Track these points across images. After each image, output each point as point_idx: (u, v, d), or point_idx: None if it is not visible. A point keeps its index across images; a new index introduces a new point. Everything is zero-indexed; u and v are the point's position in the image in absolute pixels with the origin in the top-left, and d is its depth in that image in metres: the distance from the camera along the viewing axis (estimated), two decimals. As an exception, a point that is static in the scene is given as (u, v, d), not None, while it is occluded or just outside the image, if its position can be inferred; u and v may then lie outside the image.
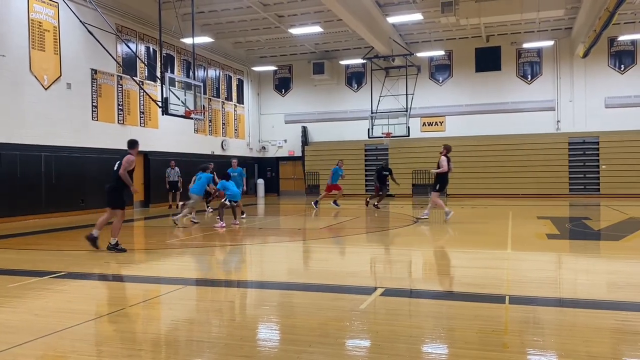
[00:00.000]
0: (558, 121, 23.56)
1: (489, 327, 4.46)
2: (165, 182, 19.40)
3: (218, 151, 24.38)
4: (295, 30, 20.60)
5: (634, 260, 7.83)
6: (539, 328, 4.49)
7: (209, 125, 23.94)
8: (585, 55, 21.52)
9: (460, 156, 20.63)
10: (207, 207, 16.68)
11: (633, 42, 22.44)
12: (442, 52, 24.49)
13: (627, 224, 12.23)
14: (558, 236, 10.58)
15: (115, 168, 8.90)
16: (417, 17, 19.29)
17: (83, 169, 16.69)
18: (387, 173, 18.03)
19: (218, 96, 24.81)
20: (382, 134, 25.42)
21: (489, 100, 24.48)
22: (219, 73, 24.93)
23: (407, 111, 24.43)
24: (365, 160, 26.31)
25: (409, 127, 25.47)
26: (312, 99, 27.53)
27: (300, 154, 27.31)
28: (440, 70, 25.46)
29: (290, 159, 27.83)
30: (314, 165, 26.83)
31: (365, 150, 26.34)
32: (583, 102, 23.16)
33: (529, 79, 24.07)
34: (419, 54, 24.01)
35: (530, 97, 23.95)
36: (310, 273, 7.45)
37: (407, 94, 25.65)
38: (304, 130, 27.43)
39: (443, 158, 12.49)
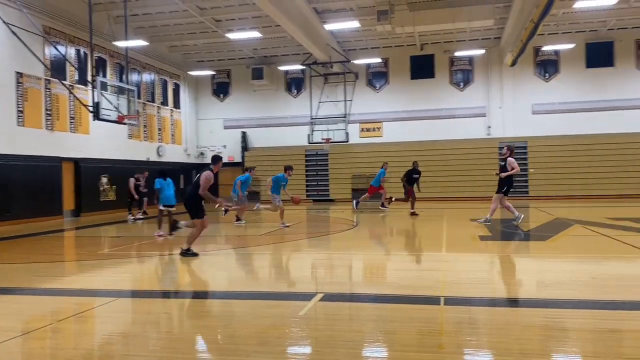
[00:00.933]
0: (489, 127, 24.59)
1: (426, 328, 4.57)
2: (133, 191, 17.76)
3: (154, 157, 23.73)
4: (233, 35, 20.43)
5: (559, 260, 8.26)
6: (474, 328, 4.64)
7: (144, 131, 23.26)
8: (514, 64, 22.59)
9: (397, 162, 21.13)
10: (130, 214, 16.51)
11: (556, 52, 23.78)
12: (378, 60, 25.01)
13: (553, 225, 12.90)
14: (490, 237, 11.01)
15: (194, 180, 8.92)
16: (354, 24, 19.61)
17: (8, 178, 15.77)
18: (418, 175, 16.62)
19: (153, 101, 24.15)
20: (322, 139, 25.65)
21: (424, 107, 25.21)
22: (154, 77, 24.30)
23: (345, 117, 24.74)
24: (306, 166, 26.39)
25: (347, 133, 25.84)
26: (251, 104, 27.36)
27: (240, 160, 27.05)
28: (377, 77, 25.98)
29: (230, 164, 27.52)
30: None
31: (306, 156, 26.43)
32: (512, 108, 24.29)
33: (462, 86, 24.99)
34: (357, 61, 24.40)
35: (462, 103, 24.87)
36: (250, 281, 7.37)
37: (345, 100, 26.01)
38: (244, 136, 27.20)
39: (512, 159, 12.16)
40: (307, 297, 5.73)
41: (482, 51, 23.54)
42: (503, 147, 13.10)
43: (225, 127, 27.60)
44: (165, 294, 6.57)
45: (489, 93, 24.61)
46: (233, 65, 27.35)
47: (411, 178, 16.56)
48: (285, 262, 9.09)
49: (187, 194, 8.95)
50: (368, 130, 26.10)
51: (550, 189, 23.20)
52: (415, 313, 5.09)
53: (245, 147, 27.17)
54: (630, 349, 4.04)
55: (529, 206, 19.24)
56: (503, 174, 12.24)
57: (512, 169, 12.08)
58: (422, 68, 25.26)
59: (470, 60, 24.78)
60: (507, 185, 12.34)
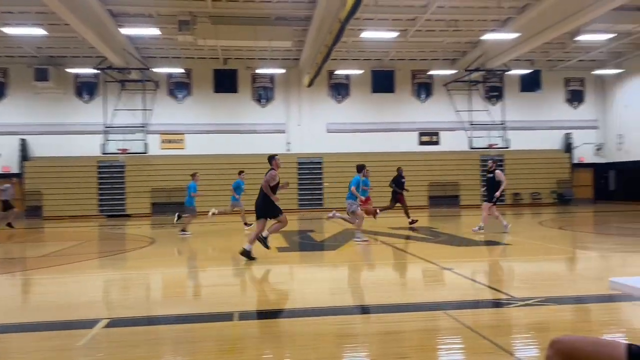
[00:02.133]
0: (288, 143, 25.70)
1: (222, 346, 4.46)
2: None
3: None
4: (10, 30, 17.98)
5: (345, 267, 8.90)
6: (273, 341, 4.68)
7: None
8: (310, 84, 24.03)
9: (201, 175, 20.71)
10: None
11: (347, 77, 25.97)
12: (181, 70, 24.41)
13: (342, 235, 13.92)
14: (288, 249, 11.41)
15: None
16: (154, 32, 18.84)
17: None
18: (404, 180, 16.01)
19: None
20: (118, 150, 23.98)
21: (227, 121, 25.30)
22: None
23: (144, 127, 23.55)
24: (99, 179, 24.34)
25: (147, 144, 24.60)
26: (33, 108, 24.36)
27: (18, 171, 23.82)
28: (180, 87, 25.32)
29: (4, 176, 24.04)
30: (37, 184, 23.67)
31: (99, 168, 24.39)
32: (309, 126, 25.77)
33: (263, 103, 25.72)
34: (157, 70, 23.47)
35: (264, 119, 25.59)
36: (21, 311, 6.43)
37: (144, 109, 24.78)
38: (23, 144, 24.06)
39: (499, 172, 13.07)
40: (89, 324, 5.19)
41: (282, 70, 24.56)
42: (488, 162, 13.77)
43: (1, 133, 24.08)
44: None
45: (289, 111, 25.76)
46: (11, 64, 24.09)
47: (400, 183, 16.04)
48: (67, 286, 8.16)
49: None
50: (170, 141, 25.21)
51: (342, 201, 24.96)
52: (209, 331, 4.95)
53: (24, 157, 24.04)
54: (407, 349, 4.47)
55: (324, 217, 20.51)
56: (500, 191, 12.86)
57: (499, 181, 12.96)
58: (225, 82, 25.35)
59: (272, 78, 25.67)
60: (493, 194, 13.03)
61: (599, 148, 27.35)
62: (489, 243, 11.72)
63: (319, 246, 12.02)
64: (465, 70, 24.15)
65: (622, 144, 25.99)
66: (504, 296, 6.28)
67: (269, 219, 9.41)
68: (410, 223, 15.44)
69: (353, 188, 12.45)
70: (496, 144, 25.44)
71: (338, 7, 15.28)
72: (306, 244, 12.69)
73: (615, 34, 20.71)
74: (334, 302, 6.31)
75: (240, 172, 16.07)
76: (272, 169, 9.46)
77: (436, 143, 26.53)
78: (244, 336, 4.79)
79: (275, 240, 12.36)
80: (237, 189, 15.60)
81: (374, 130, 25.99)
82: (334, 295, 6.70)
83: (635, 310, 5.41)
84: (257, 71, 24.64)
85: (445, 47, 23.73)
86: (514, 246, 11.30)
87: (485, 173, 15.59)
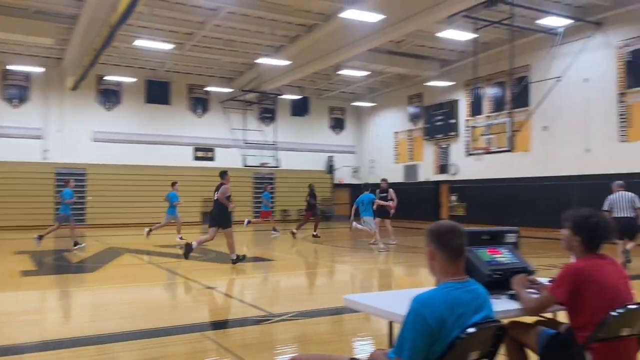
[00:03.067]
0: (45, 150, 22.97)
1: None
2: None
3: None
4: None
5: (107, 290, 8.26)
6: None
7: None
8: (75, 88, 21.95)
9: None
10: None
11: (119, 83, 24.41)
12: None
13: (105, 254, 12.91)
14: (35, 272, 10.10)
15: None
16: None
17: None
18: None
19: None
20: None
21: (-34, 120, 21.54)
22: None
23: None
24: None
25: None
26: None
27: None
28: None
29: None
30: None
31: None
32: (72, 133, 23.42)
33: (16, 103, 22.59)
34: None
35: (16, 122, 22.42)
36: None
37: None
38: None
39: (391, 190, 14.74)
40: None
41: (42, 69, 21.96)
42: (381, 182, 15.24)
43: None
44: None
45: (48, 115, 23.08)
46: None
47: (315, 197, 17.81)
48: None
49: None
50: None
51: (107, 217, 23.28)
52: None
53: None
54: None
55: (86, 235, 18.79)
56: (386, 203, 14.55)
57: (388, 199, 14.69)
58: (-35, 75, 21.57)
59: (28, 76, 22.72)
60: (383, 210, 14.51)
61: (355, 171, 30.72)
62: (256, 260, 12.13)
63: (75, 268, 10.93)
64: (241, 90, 24.86)
65: (373, 167, 29.62)
66: (262, 313, 6.52)
67: (220, 230, 10.36)
68: (313, 235, 17.17)
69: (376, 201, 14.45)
70: (268, 163, 26.66)
71: (109, 10, 14.32)
72: (60, 265, 11.42)
73: (370, 72, 23.66)
74: (92, 330, 5.77)
75: (174, 184, 16.71)
76: (223, 183, 10.53)
77: (211, 159, 26.62)
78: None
79: (21, 263, 10.87)
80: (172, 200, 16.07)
81: (147, 142, 24.88)
82: (94, 322, 6.14)
83: (376, 320, 6.10)
84: (10, 67, 21.58)
85: (222, 65, 24.09)
86: (277, 262, 11.91)
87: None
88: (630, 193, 9.91)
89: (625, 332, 2.81)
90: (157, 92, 25.28)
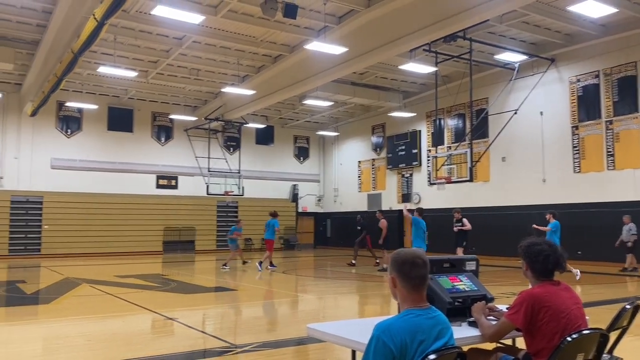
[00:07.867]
0: (1, 177, 22.22)
1: None
2: None
3: None
4: None
5: (61, 323, 7.96)
6: None
7: None
8: (34, 114, 21.47)
9: None
10: None
11: (80, 110, 23.95)
12: None
13: (61, 285, 12.47)
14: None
15: None
16: None
17: None
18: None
19: None
20: None
21: None
22: None
23: None
24: None
25: None
26: None
27: None
28: None
29: None
30: None
31: None
32: (29, 160, 22.77)
33: (-29, 129, 21.90)
34: None
35: (-30, 148, 21.71)
36: None
37: None
38: None
39: (465, 220, 14.45)
40: None
41: (-1, 95, 21.44)
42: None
43: None
44: None
45: (5, 141, 22.42)
46: None
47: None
48: None
49: None
50: None
51: (64, 246, 22.55)
52: None
53: None
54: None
55: (40, 265, 18.12)
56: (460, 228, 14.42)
57: (463, 225, 14.56)
58: None
59: (-16, 101, 22.10)
60: (465, 240, 14.58)
61: (320, 199, 30.82)
62: (218, 289, 11.94)
63: (29, 299, 10.51)
64: (206, 119, 24.78)
65: (337, 196, 29.78)
66: (224, 344, 6.40)
67: None
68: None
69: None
70: (232, 191, 26.46)
71: (71, 36, 14.19)
72: (13, 297, 10.96)
73: (334, 102, 24.01)
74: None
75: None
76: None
77: (174, 187, 26.27)
78: None
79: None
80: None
81: (109, 170, 24.37)
82: (44, 357, 5.89)
83: (340, 349, 6.07)
84: (-35, 92, 20.99)
85: (187, 93, 24.03)
86: (240, 291, 11.74)
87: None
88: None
89: (580, 357, 2.90)
90: (119, 119, 24.94)
